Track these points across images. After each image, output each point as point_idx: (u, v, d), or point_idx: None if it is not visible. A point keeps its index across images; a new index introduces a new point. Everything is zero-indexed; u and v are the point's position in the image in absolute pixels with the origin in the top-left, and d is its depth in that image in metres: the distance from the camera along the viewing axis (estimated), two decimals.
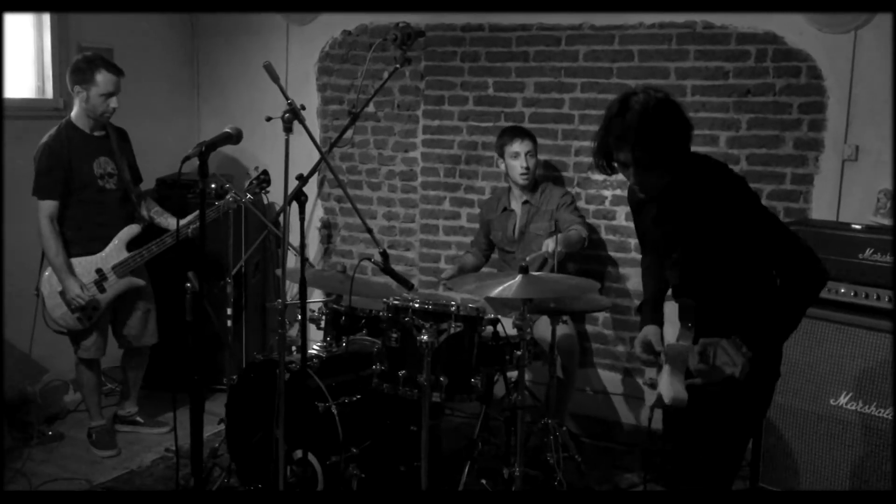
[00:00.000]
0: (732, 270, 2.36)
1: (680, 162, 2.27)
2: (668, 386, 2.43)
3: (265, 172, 3.85)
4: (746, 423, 2.53)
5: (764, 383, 2.49)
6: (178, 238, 3.78)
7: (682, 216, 2.37)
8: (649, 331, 2.54)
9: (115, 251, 3.85)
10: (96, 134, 3.85)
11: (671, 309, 2.56)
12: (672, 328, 2.51)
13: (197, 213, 3.58)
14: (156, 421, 4.25)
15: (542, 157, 4.17)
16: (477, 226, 4.41)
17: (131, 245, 3.88)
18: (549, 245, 3.54)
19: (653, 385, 2.61)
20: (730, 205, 2.27)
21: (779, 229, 2.29)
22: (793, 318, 2.27)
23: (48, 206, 3.71)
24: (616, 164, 2.30)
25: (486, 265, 4.38)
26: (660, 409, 2.69)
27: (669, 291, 2.67)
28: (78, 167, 3.76)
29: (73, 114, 3.82)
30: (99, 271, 3.81)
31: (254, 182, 3.82)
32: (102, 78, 3.72)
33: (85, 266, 3.80)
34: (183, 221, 3.87)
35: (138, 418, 4.22)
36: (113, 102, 3.78)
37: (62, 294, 3.76)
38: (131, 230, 3.90)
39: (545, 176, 4.33)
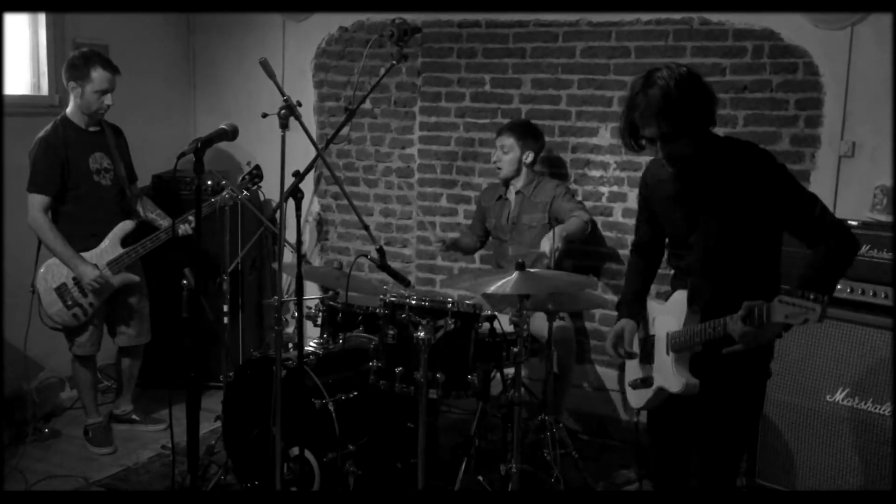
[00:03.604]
0: (752, 244, 2.39)
1: (704, 132, 2.34)
2: (676, 375, 2.44)
3: (257, 167, 3.84)
4: (741, 425, 2.53)
5: (756, 383, 2.51)
6: (173, 234, 3.77)
7: (708, 190, 2.39)
8: (625, 324, 2.61)
9: (109, 247, 3.84)
10: (91, 129, 3.85)
11: (672, 300, 2.55)
12: (673, 318, 2.50)
13: (192, 211, 3.60)
14: (152, 418, 4.24)
15: None
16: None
17: (126, 241, 3.87)
18: (546, 245, 3.53)
19: (645, 382, 2.60)
20: (760, 172, 2.32)
21: (812, 198, 2.36)
22: (835, 280, 2.31)
23: (41, 202, 3.70)
24: (643, 140, 2.35)
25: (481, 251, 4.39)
26: (645, 410, 2.71)
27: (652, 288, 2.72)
28: (74, 162, 3.76)
29: (68, 110, 3.81)
30: (94, 267, 3.80)
31: (246, 178, 3.82)
32: (98, 75, 3.71)
33: None
34: (179, 220, 3.86)
35: (134, 416, 4.21)
36: (107, 100, 3.77)
37: (57, 290, 3.75)
38: (126, 226, 3.89)
39: (541, 171, 4.32)
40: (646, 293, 2.72)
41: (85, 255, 3.79)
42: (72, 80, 3.73)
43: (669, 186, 2.50)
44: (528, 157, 4.02)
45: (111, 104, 3.79)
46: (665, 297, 2.65)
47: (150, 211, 4.06)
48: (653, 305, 2.68)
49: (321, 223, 5.07)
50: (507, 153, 4.01)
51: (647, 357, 2.62)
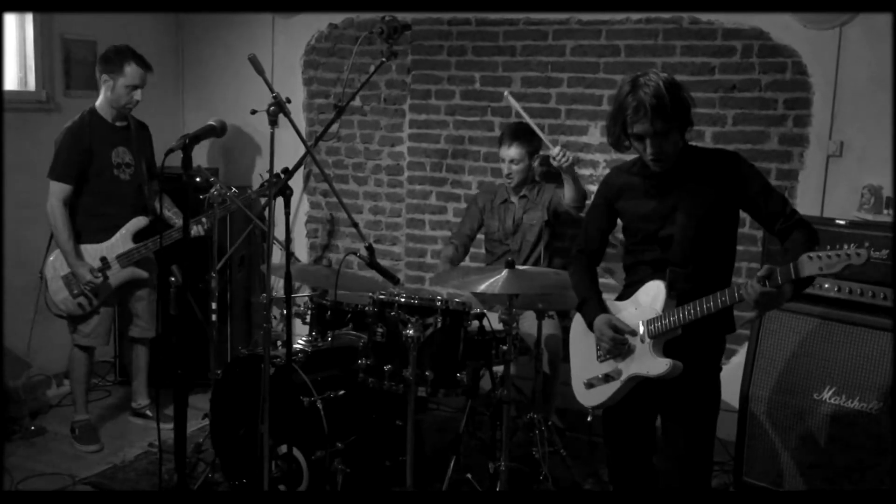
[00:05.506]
0: (721, 234, 2.57)
1: (688, 129, 2.52)
2: (658, 359, 2.52)
3: (279, 174, 3.82)
4: (703, 418, 2.63)
5: (710, 377, 2.64)
6: (185, 234, 3.75)
7: (686, 186, 2.54)
8: (608, 317, 2.66)
9: (121, 241, 3.85)
10: (118, 124, 3.89)
11: (644, 290, 2.62)
12: (646, 308, 2.58)
13: (208, 212, 3.61)
14: (165, 415, 4.16)
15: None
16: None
17: (138, 237, 3.89)
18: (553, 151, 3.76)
19: (608, 378, 2.64)
20: (736, 168, 2.53)
21: (781, 194, 2.57)
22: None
23: (62, 190, 3.71)
24: (632, 139, 2.50)
25: (465, 261, 4.38)
26: (602, 408, 2.73)
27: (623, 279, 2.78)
28: (97, 154, 3.79)
29: (97, 102, 3.85)
30: (103, 259, 3.81)
31: (264, 185, 3.79)
32: (131, 70, 3.77)
33: (90, 253, 3.80)
34: (193, 220, 3.84)
35: (148, 412, 4.20)
36: (137, 95, 3.83)
37: (65, 278, 3.76)
38: (139, 222, 3.90)
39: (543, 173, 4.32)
40: (599, 291, 2.80)
41: (96, 247, 3.81)
42: (104, 72, 3.78)
43: (640, 187, 2.64)
44: (536, 160, 4.06)
45: (140, 100, 3.82)
46: (617, 294, 2.74)
47: (168, 209, 4.06)
48: (613, 304, 2.73)
49: (324, 222, 5.05)
50: (519, 163, 4.00)
51: (608, 353, 2.67)
